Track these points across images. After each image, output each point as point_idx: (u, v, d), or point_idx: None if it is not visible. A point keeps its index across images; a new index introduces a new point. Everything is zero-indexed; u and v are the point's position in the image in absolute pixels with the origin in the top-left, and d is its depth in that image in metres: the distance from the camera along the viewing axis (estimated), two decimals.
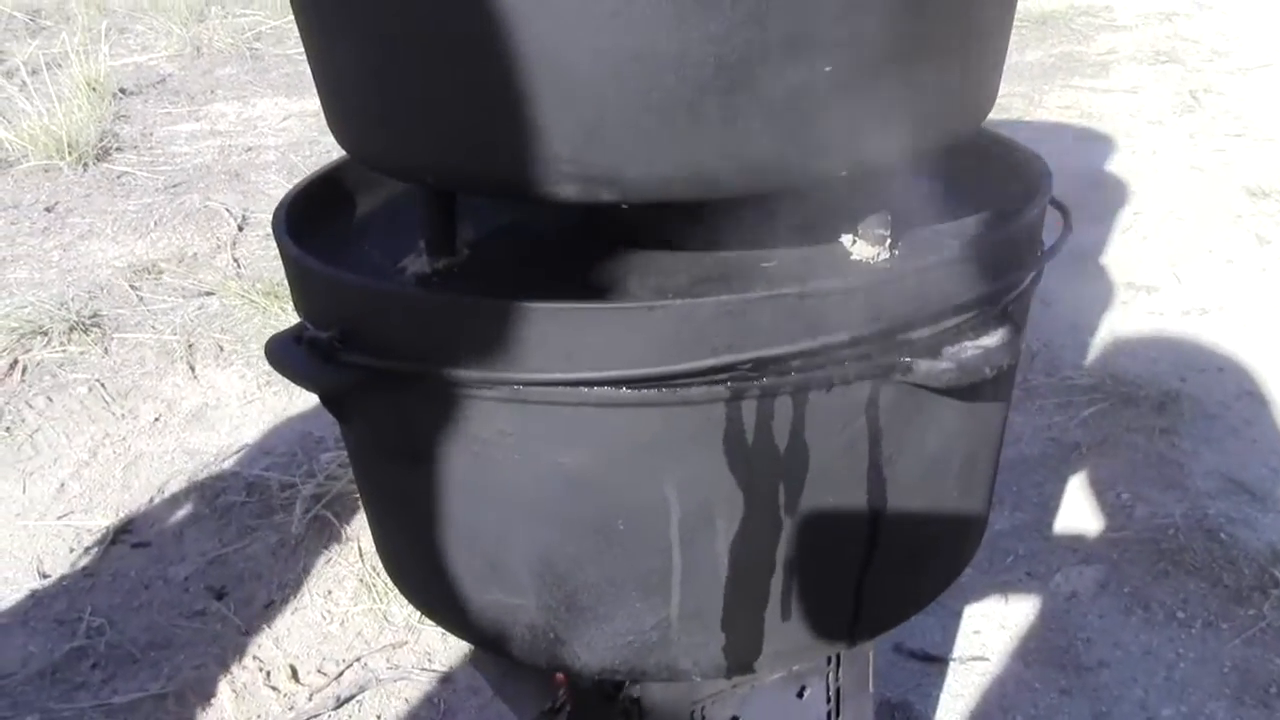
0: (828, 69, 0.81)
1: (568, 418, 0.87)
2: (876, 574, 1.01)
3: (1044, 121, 4.16)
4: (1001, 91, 3.92)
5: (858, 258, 0.99)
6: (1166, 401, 2.44)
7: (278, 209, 1.06)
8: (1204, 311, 2.83)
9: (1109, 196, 3.50)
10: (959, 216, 1.10)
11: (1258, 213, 3.33)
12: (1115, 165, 3.75)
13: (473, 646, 1.35)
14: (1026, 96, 4.43)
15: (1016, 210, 1.02)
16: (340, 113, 0.97)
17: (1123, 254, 3.16)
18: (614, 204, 0.85)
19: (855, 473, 0.93)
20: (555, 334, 0.83)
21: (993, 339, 0.92)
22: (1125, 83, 4.61)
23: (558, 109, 0.80)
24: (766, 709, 1.19)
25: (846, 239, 1.00)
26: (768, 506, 0.92)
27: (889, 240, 0.99)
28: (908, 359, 0.88)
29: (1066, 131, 4.06)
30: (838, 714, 1.24)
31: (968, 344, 0.90)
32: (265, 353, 0.97)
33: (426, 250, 1.03)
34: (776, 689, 1.19)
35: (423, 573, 1.07)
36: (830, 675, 1.23)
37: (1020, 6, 5.64)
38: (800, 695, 1.21)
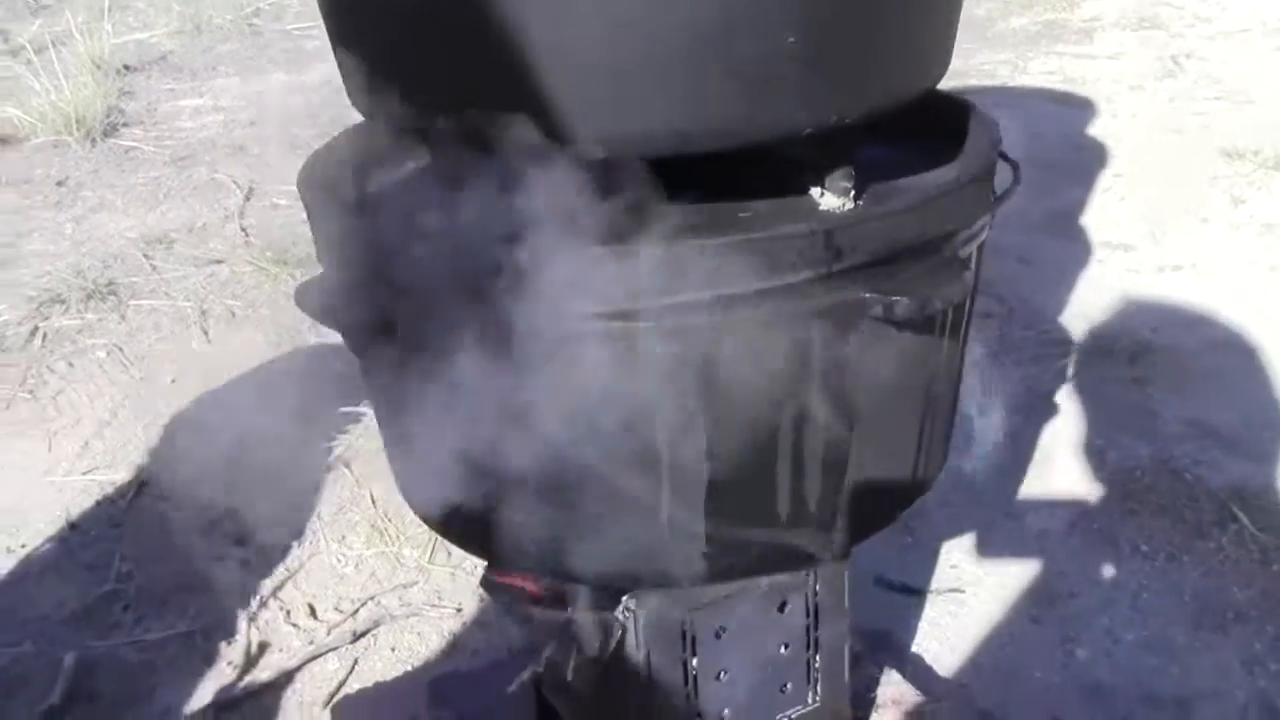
0: (791, 40, 0.92)
1: (567, 347, 0.98)
2: (848, 491, 1.12)
3: (1028, 87, 4.26)
4: (987, 59, 4.05)
5: (825, 208, 1.10)
6: (1139, 353, 2.56)
7: (302, 170, 1.17)
8: (1178, 268, 2.95)
9: (1089, 159, 3.60)
10: (918, 169, 1.21)
11: (1233, 174, 3.44)
12: (1096, 129, 3.85)
13: (482, 576, 1.47)
14: (1011, 63, 4.53)
15: (967, 162, 1.13)
16: (362, 79, 1.08)
17: (1101, 214, 3.28)
18: (602, 160, 0.96)
19: (824, 398, 1.05)
20: (553, 270, 0.95)
21: (944, 277, 1.03)
22: (1108, 49, 4.70)
23: (555, 73, 0.91)
24: (751, 620, 1.31)
25: (815, 191, 1.12)
26: (743, 429, 1.04)
27: (852, 192, 1.10)
28: (867, 295, 1.00)
29: (1050, 97, 4.16)
30: (816, 627, 1.36)
31: (922, 282, 1.02)
32: (295, 298, 1.09)
33: (441, 204, 1.14)
34: (759, 602, 1.30)
35: (439, 496, 1.19)
36: (809, 592, 1.34)
37: None
38: (781, 609, 1.33)
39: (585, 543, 1.10)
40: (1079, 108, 4.03)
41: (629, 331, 0.97)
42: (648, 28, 0.89)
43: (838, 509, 1.13)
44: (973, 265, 1.14)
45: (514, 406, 1.02)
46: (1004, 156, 1.20)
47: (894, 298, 1.00)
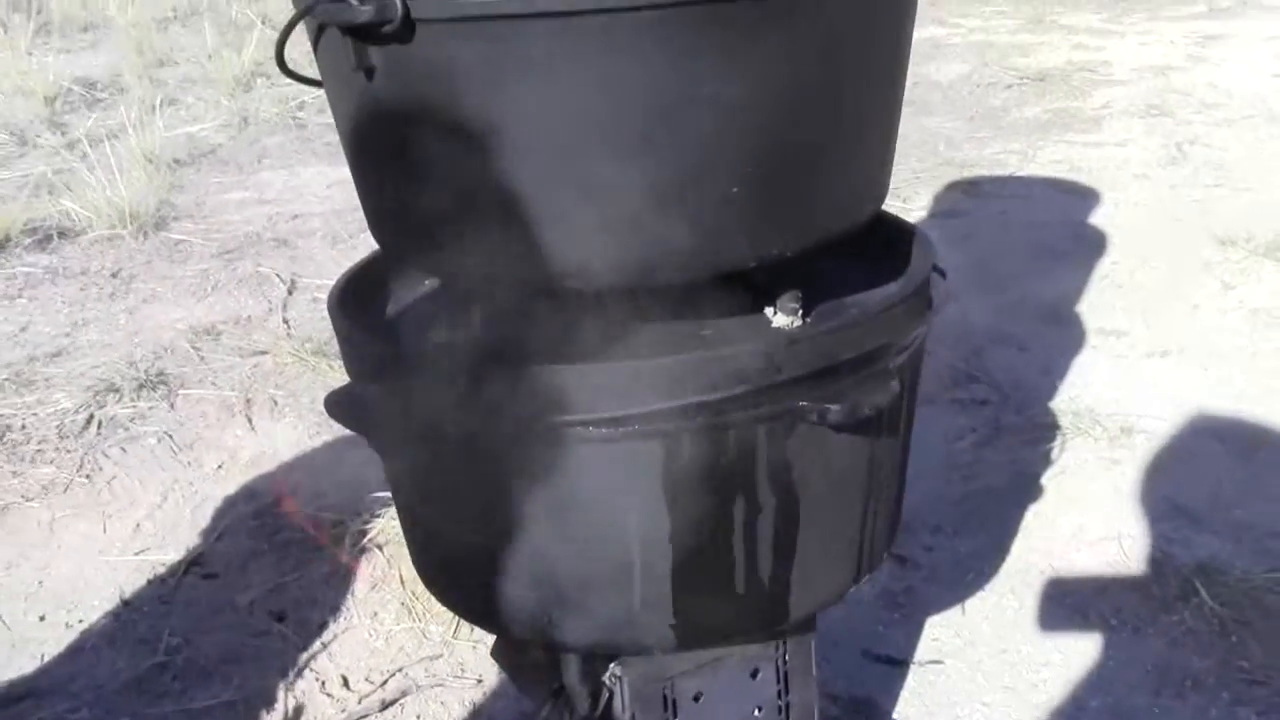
0: (735, 190, 1.11)
1: (551, 451, 1.16)
2: (798, 569, 1.29)
3: (1035, 176, 4.44)
4: (999, 149, 4.28)
5: (776, 325, 1.29)
6: (1123, 436, 2.72)
7: (331, 293, 1.36)
8: (1165, 354, 3.11)
9: (1088, 247, 3.78)
10: (866, 284, 1.39)
11: (1225, 260, 3.61)
12: (1098, 217, 4.03)
13: (492, 640, 1.64)
14: (1021, 153, 4.71)
15: (902, 284, 1.31)
16: (382, 224, 1.28)
17: (1097, 301, 3.45)
18: (581, 290, 1.15)
19: (772, 491, 1.22)
20: (540, 388, 1.13)
21: (874, 385, 1.21)
22: (1116, 136, 4.89)
23: (540, 224, 1.11)
24: (725, 686, 1.47)
25: (769, 311, 1.30)
26: (702, 519, 1.21)
27: (800, 311, 1.28)
28: (803, 403, 1.17)
29: (1056, 186, 4.35)
30: (786, 693, 1.53)
31: (853, 390, 1.20)
32: (325, 407, 1.28)
33: (447, 325, 1.34)
34: (733, 670, 1.47)
35: (451, 578, 1.37)
36: (779, 660, 1.51)
37: (1020, 64, 5.94)
38: (754, 676, 1.49)
39: (571, 617, 1.27)
40: (1083, 196, 4.21)
41: (603, 436, 1.15)
42: (617, 187, 1.09)
43: (789, 587, 1.30)
44: (907, 371, 1.31)
45: (504, 502, 1.21)
46: (939, 271, 1.38)
47: (827, 405, 1.17)
